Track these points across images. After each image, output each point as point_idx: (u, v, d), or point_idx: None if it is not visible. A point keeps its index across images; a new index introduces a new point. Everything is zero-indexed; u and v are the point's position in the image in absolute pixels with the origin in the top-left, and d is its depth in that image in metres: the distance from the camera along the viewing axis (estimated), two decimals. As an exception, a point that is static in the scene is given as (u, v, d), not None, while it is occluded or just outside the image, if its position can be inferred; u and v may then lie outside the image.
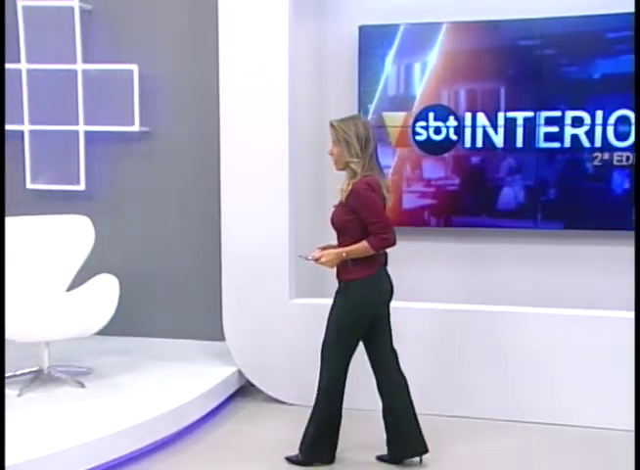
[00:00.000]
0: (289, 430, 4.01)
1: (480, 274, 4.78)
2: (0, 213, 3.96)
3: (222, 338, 4.68)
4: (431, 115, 4.68)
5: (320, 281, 4.90)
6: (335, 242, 3.71)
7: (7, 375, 4.37)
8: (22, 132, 5.24)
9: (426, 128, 4.69)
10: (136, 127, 5.09)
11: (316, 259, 3.63)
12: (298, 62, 4.61)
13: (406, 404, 3.72)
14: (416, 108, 4.69)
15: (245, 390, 4.72)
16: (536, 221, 4.60)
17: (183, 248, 5.20)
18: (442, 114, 4.66)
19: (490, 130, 4.61)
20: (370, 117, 4.71)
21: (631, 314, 3.85)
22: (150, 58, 5.09)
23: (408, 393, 3.73)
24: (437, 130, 4.68)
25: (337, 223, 3.63)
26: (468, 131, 4.64)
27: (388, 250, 3.63)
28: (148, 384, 4.38)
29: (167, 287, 5.28)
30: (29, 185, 5.31)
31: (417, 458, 3.75)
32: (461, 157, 4.68)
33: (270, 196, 4.47)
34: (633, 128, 4.40)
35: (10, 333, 4.09)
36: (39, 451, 3.42)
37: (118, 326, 4.68)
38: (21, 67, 5.15)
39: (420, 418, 3.72)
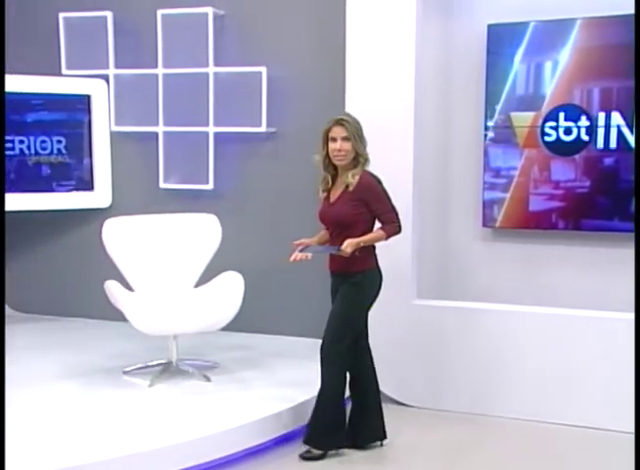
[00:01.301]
0: (411, 432, 4.02)
1: (611, 279, 4.58)
2: (0, 213, 3.99)
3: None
4: (561, 114, 4.53)
5: (444, 282, 4.87)
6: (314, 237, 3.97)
7: (139, 366, 4.62)
8: (156, 134, 5.50)
9: (555, 129, 4.55)
10: (263, 128, 5.22)
11: (339, 250, 3.67)
12: (425, 62, 4.60)
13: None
14: (545, 107, 4.56)
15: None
16: (674, 226, 4.37)
17: (307, 247, 5.27)
18: (574, 113, 4.51)
19: (625, 130, 4.42)
20: (496, 117, 4.62)
21: None
22: (278, 60, 5.21)
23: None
24: (568, 131, 4.53)
25: (345, 218, 3.72)
26: (601, 131, 4.46)
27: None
28: (271, 380, 4.47)
29: (291, 285, 5.36)
30: (162, 184, 5.56)
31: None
32: (593, 158, 4.51)
33: (393, 198, 4.46)
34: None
35: (142, 326, 4.29)
36: (164, 441, 3.58)
37: (243, 322, 4.77)
38: (157, 72, 5.42)
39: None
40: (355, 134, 3.71)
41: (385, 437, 3.95)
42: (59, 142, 5.64)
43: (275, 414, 3.96)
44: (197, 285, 4.80)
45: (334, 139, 3.73)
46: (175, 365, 4.58)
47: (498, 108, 4.63)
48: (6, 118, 5.45)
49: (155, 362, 4.63)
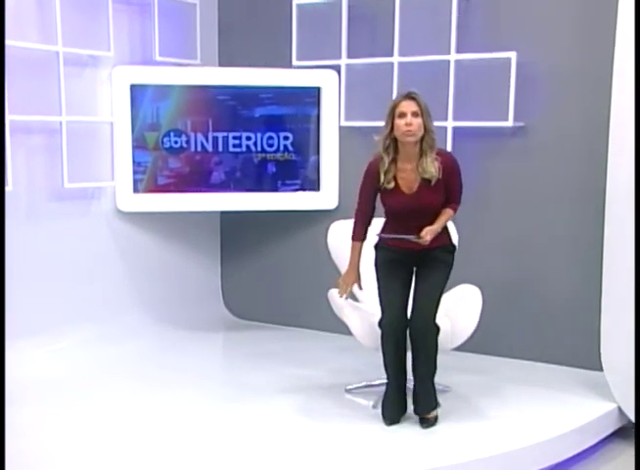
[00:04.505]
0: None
1: None
2: (0, 212, 3.98)
3: (599, 367, 4.42)
4: None
5: None
6: None
7: (362, 384, 4.58)
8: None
9: None
10: (510, 122, 4.98)
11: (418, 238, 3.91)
12: None
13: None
14: None
15: (625, 431, 4.38)
16: None
17: (558, 259, 4.99)
18: None
19: None
20: None
21: None
22: (530, 43, 4.93)
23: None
24: None
25: (435, 208, 3.96)
26: None
27: None
28: (509, 410, 4.27)
29: (535, 302, 5.11)
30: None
31: None
32: None
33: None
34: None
35: (365, 340, 4.25)
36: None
37: (477, 342, 4.54)
38: (393, 60, 5.34)
39: None
40: (425, 109, 3.89)
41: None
42: (285, 138, 5.69)
43: (516, 450, 3.78)
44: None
45: (403, 114, 3.86)
46: (402, 386, 4.45)
47: None
48: (234, 114, 5.61)
49: (378, 382, 4.48)
